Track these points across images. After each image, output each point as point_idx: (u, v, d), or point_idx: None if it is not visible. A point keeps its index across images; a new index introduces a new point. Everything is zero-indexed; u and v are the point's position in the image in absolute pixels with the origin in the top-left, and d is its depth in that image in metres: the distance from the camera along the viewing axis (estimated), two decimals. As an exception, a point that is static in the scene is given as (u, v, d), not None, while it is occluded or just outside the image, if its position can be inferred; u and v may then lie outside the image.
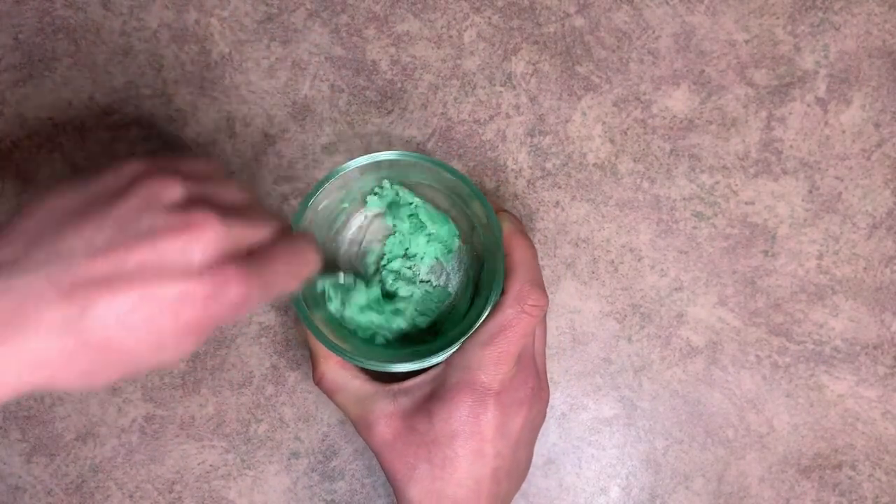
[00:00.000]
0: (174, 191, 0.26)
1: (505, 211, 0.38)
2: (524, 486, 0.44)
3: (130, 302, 0.24)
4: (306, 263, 0.30)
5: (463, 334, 0.35)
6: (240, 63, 0.45)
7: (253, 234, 0.28)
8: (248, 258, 0.27)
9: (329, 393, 0.37)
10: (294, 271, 0.30)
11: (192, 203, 0.26)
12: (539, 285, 0.35)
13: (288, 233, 0.31)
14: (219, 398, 0.44)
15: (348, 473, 0.44)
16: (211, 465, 0.44)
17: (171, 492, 0.44)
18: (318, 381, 0.38)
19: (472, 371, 0.34)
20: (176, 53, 0.45)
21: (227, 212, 0.27)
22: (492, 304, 0.35)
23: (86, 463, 0.44)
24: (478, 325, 0.35)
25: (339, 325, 0.41)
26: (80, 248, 0.25)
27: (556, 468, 0.44)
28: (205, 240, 0.25)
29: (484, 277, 0.41)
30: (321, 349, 0.37)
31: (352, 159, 0.37)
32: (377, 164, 0.38)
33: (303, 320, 0.36)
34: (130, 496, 0.44)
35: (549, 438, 0.44)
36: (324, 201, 0.38)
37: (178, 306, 0.25)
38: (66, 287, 0.24)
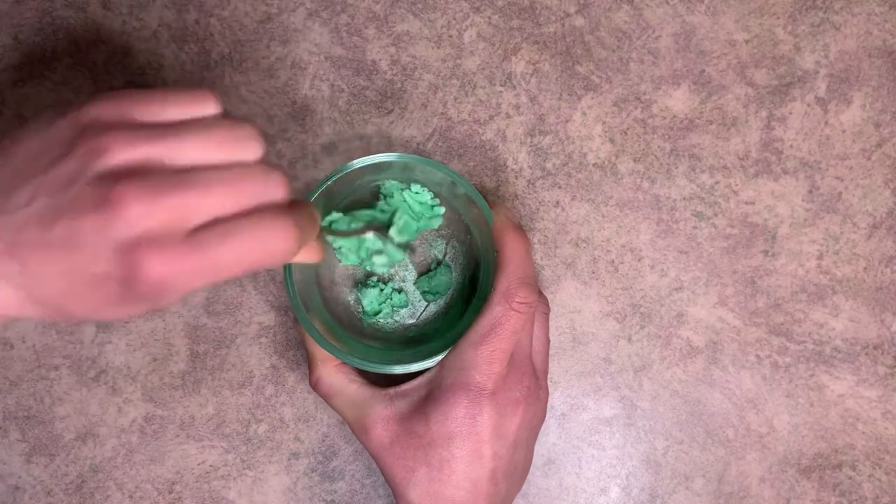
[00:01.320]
0: (110, 156, 0.25)
1: (500, 204, 0.37)
2: (524, 486, 0.44)
3: (55, 269, 0.25)
4: (276, 248, 0.27)
5: (459, 335, 0.35)
6: (240, 63, 0.45)
7: (201, 206, 0.25)
8: (180, 240, 0.25)
9: (325, 397, 0.37)
10: (249, 255, 0.26)
11: (123, 174, 0.24)
12: (528, 282, 0.35)
13: (289, 204, 0.28)
14: (219, 398, 0.44)
15: (348, 474, 0.44)
16: (211, 466, 0.44)
17: (171, 492, 0.44)
18: (314, 385, 0.37)
19: (466, 371, 0.34)
20: (176, 53, 0.45)
21: (170, 181, 0.25)
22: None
23: (86, 463, 0.44)
24: (470, 324, 0.35)
25: (337, 327, 0.41)
26: (20, 208, 0.25)
27: (556, 468, 0.44)
28: (122, 218, 0.24)
29: (481, 277, 0.41)
30: (318, 352, 0.37)
31: (351, 160, 0.38)
32: (377, 166, 0.38)
33: (300, 322, 0.36)
34: (130, 496, 0.44)
35: (549, 438, 0.44)
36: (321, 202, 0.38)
37: (97, 282, 0.25)
38: (7, 244, 0.25)
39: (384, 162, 0.37)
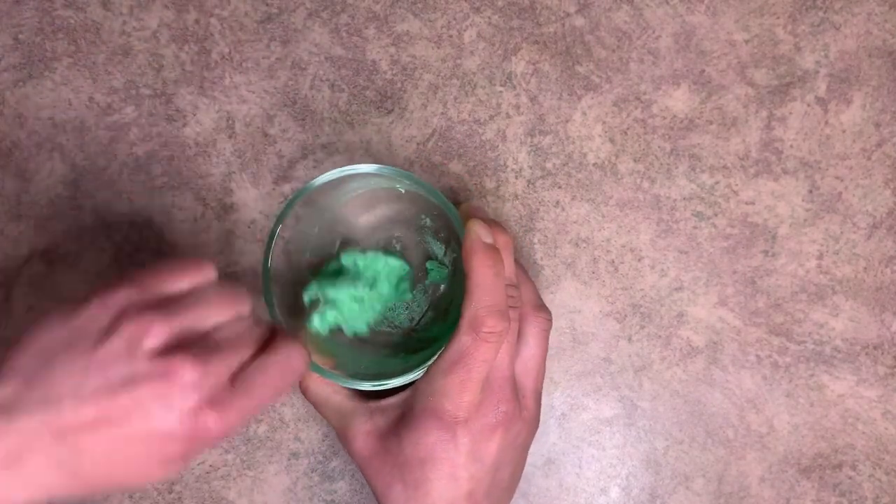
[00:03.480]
0: (155, 336, 0.28)
1: (476, 219, 0.35)
2: (524, 486, 0.44)
3: (117, 443, 0.27)
4: (292, 374, 0.32)
5: (429, 357, 0.35)
6: (240, 63, 0.45)
7: (234, 360, 0.30)
8: (228, 392, 0.29)
9: (313, 405, 0.38)
10: (278, 386, 0.31)
11: (172, 348, 0.28)
12: (496, 309, 0.33)
13: (276, 338, 0.32)
14: (219, 398, 0.44)
15: (348, 473, 0.44)
16: (211, 466, 0.44)
17: (171, 492, 0.44)
18: (303, 392, 0.38)
19: (437, 398, 0.33)
20: (176, 53, 0.45)
21: (207, 346, 0.29)
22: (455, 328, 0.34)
23: (86, 463, 0.44)
24: (441, 350, 0.34)
25: (325, 336, 0.40)
26: (68, 394, 0.27)
27: (556, 468, 0.44)
28: (181, 385, 0.27)
29: (457, 295, 0.40)
30: None
31: (351, 160, 0.38)
32: (350, 177, 0.36)
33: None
34: (130, 496, 0.44)
35: (549, 438, 0.44)
36: (299, 213, 0.37)
37: (161, 445, 0.28)
38: (58, 430, 0.27)
39: (361, 174, 0.36)
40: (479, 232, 0.34)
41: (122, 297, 0.29)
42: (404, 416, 0.34)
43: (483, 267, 0.33)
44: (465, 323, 0.33)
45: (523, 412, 0.35)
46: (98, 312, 0.29)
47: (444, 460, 0.33)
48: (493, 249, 0.34)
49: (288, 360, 0.32)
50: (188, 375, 0.28)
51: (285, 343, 0.32)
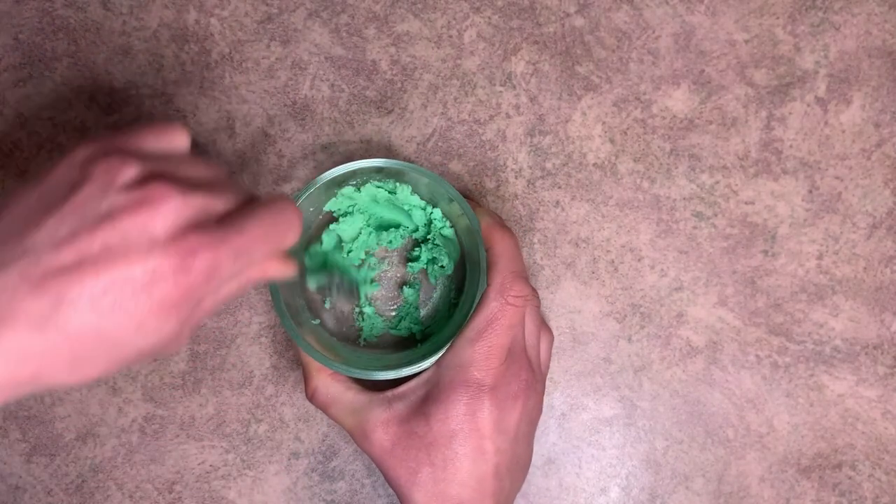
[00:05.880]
0: (129, 170, 0.26)
1: (481, 206, 0.38)
2: (524, 486, 0.44)
3: (101, 285, 0.24)
4: (286, 226, 0.29)
5: (452, 334, 0.35)
6: (240, 63, 0.45)
7: (217, 203, 0.27)
8: (215, 225, 0.26)
9: (323, 407, 0.37)
10: (272, 235, 0.29)
11: (149, 178, 0.26)
12: (521, 276, 0.35)
13: (260, 200, 0.30)
14: (219, 398, 0.44)
15: (348, 473, 0.44)
16: (211, 465, 0.44)
17: (171, 492, 0.44)
18: (310, 397, 0.38)
19: (465, 368, 0.34)
20: (176, 53, 0.45)
21: (187, 183, 0.27)
22: (478, 299, 0.35)
23: (86, 463, 0.44)
24: (465, 322, 0.35)
25: (329, 337, 0.41)
26: (45, 242, 0.25)
27: (556, 468, 0.44)
28: (164, 211, 0.25)
29: (467, 276, 0.41)
30: (312, 363, 0.37)
31: (351, 159, 0.38)
32: (352, 174, 0.37)
33: (290, 334, 0.36)
34: (130, 496, 0.44)
35: (549, 438, 0.44)
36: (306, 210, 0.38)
37: (149, 282, 0.25)
38: (36, 280, 0.24)
39: (358, 169, 0.37)
40: (491, 215, 0.37)
41: (87, 149, 0.27)
42: (429, 395, 0.35)
43: (504, 239, 0.36)
44: (492, 290, 0.35)
45: (537, 384, 0.36)
46: (65, 171, 0.27)
47: (472, 432, 0.33)
48: (507, 227, 0.37)
49: (280, 209, 0.29)
50: (170, 200, 0.25)
51: (276, 196, 0.30)
